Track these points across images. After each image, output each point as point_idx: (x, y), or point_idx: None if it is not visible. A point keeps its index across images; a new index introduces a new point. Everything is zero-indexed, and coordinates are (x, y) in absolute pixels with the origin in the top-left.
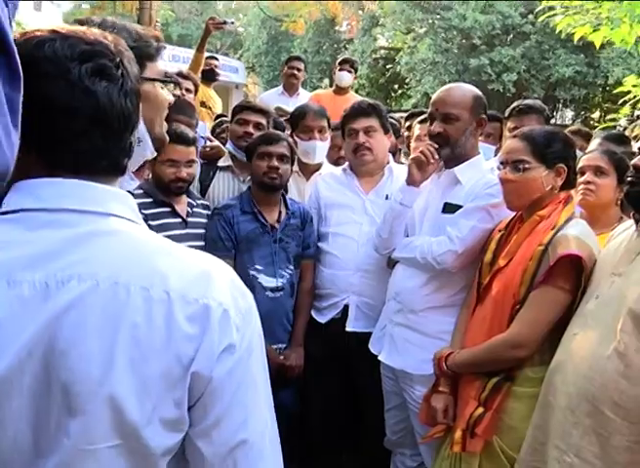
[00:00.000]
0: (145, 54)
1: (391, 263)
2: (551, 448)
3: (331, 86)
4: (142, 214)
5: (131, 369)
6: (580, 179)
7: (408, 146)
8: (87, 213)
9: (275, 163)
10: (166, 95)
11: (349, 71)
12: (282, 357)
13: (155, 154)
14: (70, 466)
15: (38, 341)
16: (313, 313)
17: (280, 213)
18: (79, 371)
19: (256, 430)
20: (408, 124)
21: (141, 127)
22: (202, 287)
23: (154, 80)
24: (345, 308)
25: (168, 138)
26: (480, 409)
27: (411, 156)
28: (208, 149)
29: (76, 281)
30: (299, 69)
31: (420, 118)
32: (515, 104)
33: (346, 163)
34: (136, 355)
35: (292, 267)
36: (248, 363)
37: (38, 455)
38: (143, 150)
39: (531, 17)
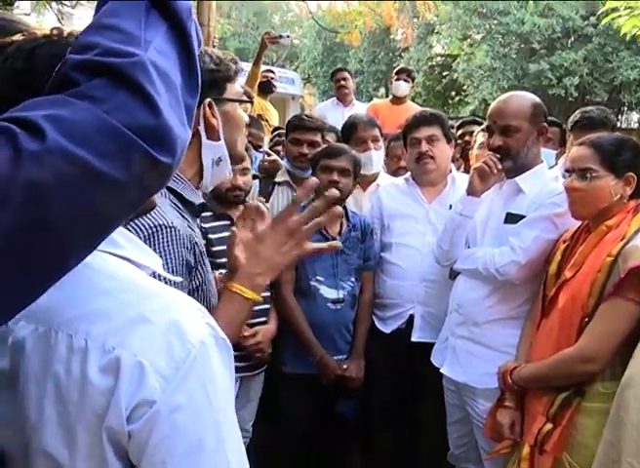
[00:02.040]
0: (227, 77)
1: (453, 274)
2: (625, 465)
3: (387, 95)
4: (203, 228)
5: (57, 422)
6: None
7: (462, 155)
8: None
9: (335, 177)
10: (243, 114)
11: (406, 80)
12: (344, 366)
13: (232, 174)
14: None
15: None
16: (377, 323)
17: (342, 225)
18: (25, 413)
19: None
20: (460, 132)
21: (223, 146)
22: (123, 334)
23: (234, 101)
24: (410, 318)
25: (247, 156)
26: (549, 425)
27: (473, 166)
28: (266, 163)
29: (25, 322)
30: (345, 79)
31: (482, 126)
32: (578, 117)
33: (408, 173)
34: (60, 408)
35: (353, 279)
36: (181, 419)
37: None
38: (223, 169)
39: (592, 19)
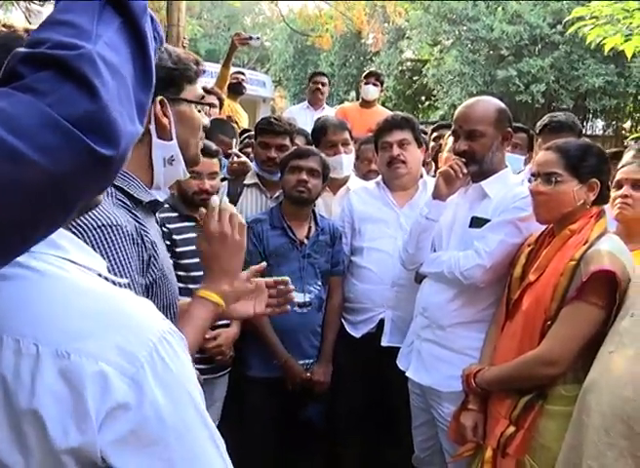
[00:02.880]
0: (185, 76)
1: (419, 278)
2: None
3: (358, 99)
4: (167, 228)
5: (9, 428)
6: (618, 193)
7: (434, 159)
8: None
9: (304, 177)
10: (202, 117)
11: (375, 84)
12: (309, 373)
13: (188, 175)
14: None
15: None
16: (347, 327)
17: (310, 228)
18: None
19: None
20: (435, 135)
21: (175, 146)
22: (77, 339)
23: (191, 102)
24: (381, 322)
25: (201, 159)
26: (511, 428)
27: (439, 170)
28: (235, 165)
29: None
30: (323, 84)
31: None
32: (547, 121)
33: (379, 177)
34: (10, 412)
35: (320, 283)
36: (161, 415)
37: None
38: (176, 169)
39: (559, 27)
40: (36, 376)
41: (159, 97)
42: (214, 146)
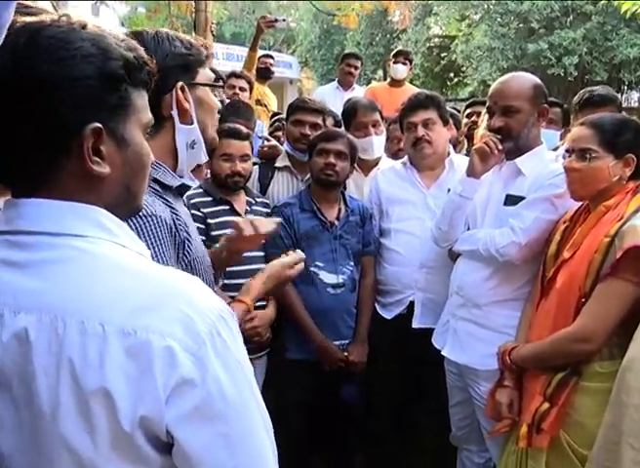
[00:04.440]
0: (198, 61)
1: (454, 256)
2: (625, 447)
3: (385, 78)
4: (202, 212)
5: (76, 410)
6: None
7: (467, 136)
8: (41, 234)
9: (332, 160)
10: (215, 99)
11: (404, 63)
12: (345, 353)
13: (208, 158)
14: None
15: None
16: (379, 309)
17: (340, 210)
18: (35, 407)
19: (250, 455)
20: (468, 111)
21: (196, 130)
22: (142, 317)
23: (206, 85)
24: (411, 304)
25: (218, 140)
26: (546, 405)
27: (474, 147)
28: (265, 148)
29: (24, 314)
30: (356, 67)
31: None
32: (587, 95)
33: (406, 157)
34: (78, 395)
35: (352, 263)
36: (223, 392)
37: None
38: (198, 153)
39: None
40: (104, 355)
41: (179, 84)
42: (244, 129)
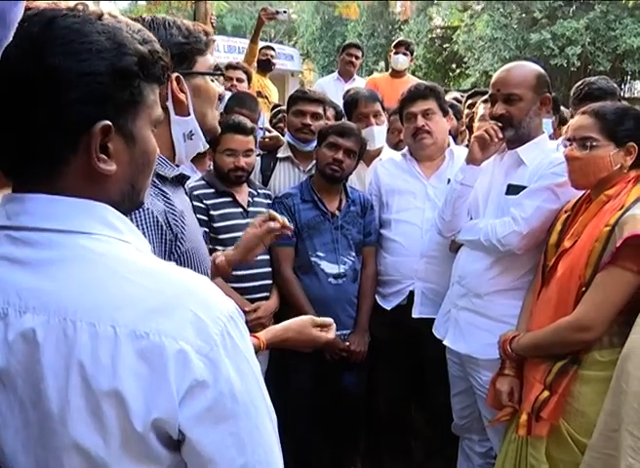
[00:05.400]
0: (197, 49)
1: (454, 247)
2: (624, 434)
3: (387, 69)
4: (204, 204)
5: (87, 412)
6: None
7: (468, 127)
8: (47, 231)
9: (340, 156)
10: (216, 87)
11: (405, 54)
12: (347, 343)
13: (207, 146)
14: None
15: (1, 371)
16: (378, 300)
17: (341, 200)
18: (43, 407)
19: (257, 452)
20: (470, 102)
21: (193, 121)
22: (153, 319)
23: (204, 74)
24: (411, 294)
25: (219, 130)
26: (546, 393)
27: (474, 134)
28: (267, 140)
29: (31, 314)
30: (357, 57)
31: (484, 97)
32: (586, 88)
33: (406, 148)
34: (89, 397)
35: (353, 254)
36: (234, 392)
37: None
38: (196, 143)
39: None
40: (116, 358)
41: (174, 74)
42: (249, 124)
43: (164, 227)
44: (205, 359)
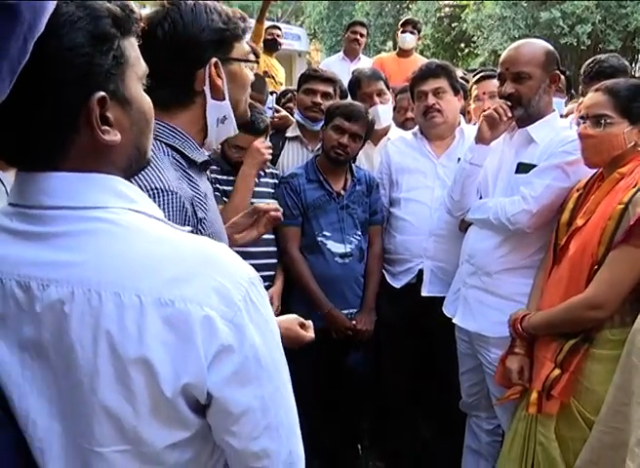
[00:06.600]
0: (235, 35)
1: (463, 226)
2: (635, 408)
3: (395, 48)
4: (214, 178)
5: (116, 379)
6: None
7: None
8: (64, 209)
9: (346, 141)
10: (249, 74)
11: (412, 33)
12: (354, 322)
13: (237, 131)
14: (86, 466)
15: (33, 342)
16: (388, 278)
17: (346, 180)
18: (73, 377)
19: (279, 414)
20: (476, 80)
21: (228, 106)
22: (177, 287)
23: (240, 60)
24: (420, 273)
25: (250, 115)
26: (557, 371)
27: (483, 113)
28: (276, 119)
29: (54, 287)
30: (362, 35)
31: (477, 77)
32: (597, 66)
33: (416, 126)
34: (117, 365)
35: (359, 233)
36: (258, 356)
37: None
38: (227, 128)
39: None
40: (142, 326)
41: (213, 60)
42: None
43: (188, 212)
44: (230, 324)
